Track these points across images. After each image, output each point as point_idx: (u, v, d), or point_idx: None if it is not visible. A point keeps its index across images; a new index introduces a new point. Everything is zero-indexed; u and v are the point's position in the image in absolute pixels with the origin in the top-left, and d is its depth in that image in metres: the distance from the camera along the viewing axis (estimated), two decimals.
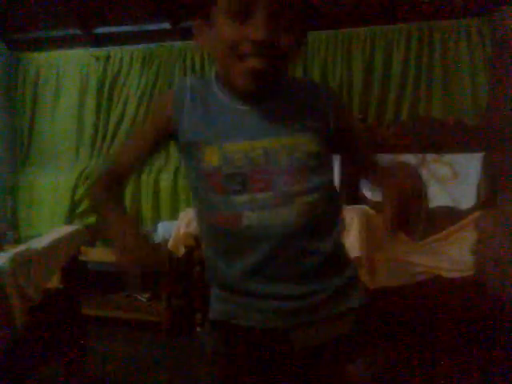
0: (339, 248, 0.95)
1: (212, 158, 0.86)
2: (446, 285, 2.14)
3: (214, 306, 0.96)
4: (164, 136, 0.94)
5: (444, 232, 2.41)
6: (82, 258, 2.63)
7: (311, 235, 0.88)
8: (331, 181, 0.95)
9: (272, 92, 0.89)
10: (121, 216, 0.91)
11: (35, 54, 3.74)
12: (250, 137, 0.86)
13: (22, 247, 2.22)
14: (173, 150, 3.38)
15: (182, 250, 2.51)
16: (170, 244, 2.51)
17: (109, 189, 0.97)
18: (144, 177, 3.36)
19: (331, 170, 0.96)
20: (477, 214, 2.38)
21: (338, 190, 1.02)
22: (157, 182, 3.33)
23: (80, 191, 3.46)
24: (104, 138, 3.56)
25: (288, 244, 0.86)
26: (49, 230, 3.27)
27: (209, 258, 0.95)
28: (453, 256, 2.29)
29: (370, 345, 0.98)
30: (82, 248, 2.62)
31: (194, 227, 2.46)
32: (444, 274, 2.17)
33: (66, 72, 3.67)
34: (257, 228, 0.85)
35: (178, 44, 3.43)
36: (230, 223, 0.86)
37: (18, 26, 3.69)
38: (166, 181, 3.30)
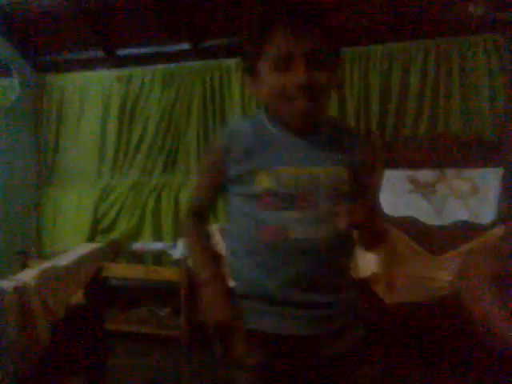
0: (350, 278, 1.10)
1: (263, 180, 1.00)
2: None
3: (247, 318, 1.02)
4: (224, 175, 1.07)
5: (464, 247, 2.40)
6: (104, 273, 2.68)
7: (342, 250, 1.04)
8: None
9: (315, 126, 1.05)
10: (214, 275, 1.04)
11: (60, 76, 3.85)
12: (297, 164, 1.01)
13: (46, 264, 2.29)
14: (193, 168, 3.44)
15: None
16: (190, 261, 2.54)
17: (197, 225, 1.14)
18: (164, 193, 3.42)
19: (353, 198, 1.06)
20: (497, 229, 2.36)
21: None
22: (177, 198, 3.39)
23: (102, 208, 3.53)
24: (125, 155, 3.64)
25: (325, 256, 1.00)
26: (72, 246, 3.35)
27: (244, 271, 1.04)
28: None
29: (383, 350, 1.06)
30: (104, 264, 2.67)
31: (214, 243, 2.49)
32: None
33: (89, 92, 3.76)
34: (302, 240, 0.98)
35: (198, 64, 3.50)
36: (279, 236, 0.99)
37: (44, 49, 3.82)
38: (185, 197, 3.35)
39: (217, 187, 1.11)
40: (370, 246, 1.08)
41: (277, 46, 0.97)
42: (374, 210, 1.01)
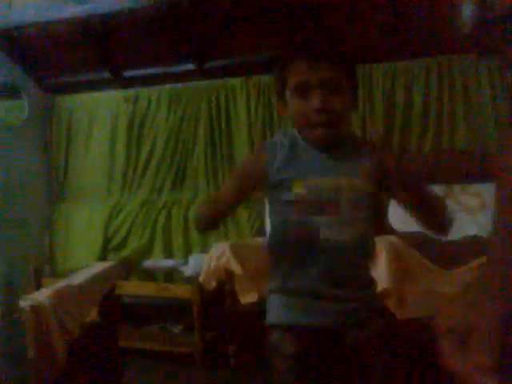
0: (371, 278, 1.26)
1: (298, 188, 1.16)
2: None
3: (277, 312, 1.21)
4: (258, 182, 1.24)
5: (474, 262, 2.41)
6: (117, 291, 2.70)
7: (363, 251, 1.20)
8: (373, 215, 1.23)
9: (340, 141, 1.21)
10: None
11: (68, 97, 3.92)
12: (326, 175, 1.18)
13: (61, 283, 2.31)
14: (201, 185, 3.49)
15: (213, 284, 2.56)
16: (202, 278, 2.57)
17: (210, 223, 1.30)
18: (174, 211, 3.46)
19: (374, 209, 1.24)
20: None
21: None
22: (187, 216, 3.43)
23: (113, 226, 3.57)
24: (134, 174, 3.69)
25: (348, 255, 1.16)
26: (84, 264, 3.38)
27: (277, 269, 1.21)
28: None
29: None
30: (117, 282, 2.69)
31: (224, 261, 2.51)
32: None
33: (97, 112, 3.83)
34: (329, 241, 1.14)
35: (203, 84, 3.57)
36: (309, 237, 1.15)
37: (52, 71, 3.89)
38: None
39: (245, 193, 1.25)
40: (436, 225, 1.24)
41: (296, 77, 1.16)
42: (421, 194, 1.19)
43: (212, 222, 1.29)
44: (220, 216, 1.29)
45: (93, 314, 2.45)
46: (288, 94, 1.19)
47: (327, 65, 1.14)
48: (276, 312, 1.21)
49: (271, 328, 1.21)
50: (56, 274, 3.39)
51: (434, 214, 1.22)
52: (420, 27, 2.95)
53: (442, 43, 2.92)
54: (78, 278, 2.33)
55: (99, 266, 2.54)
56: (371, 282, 1.27)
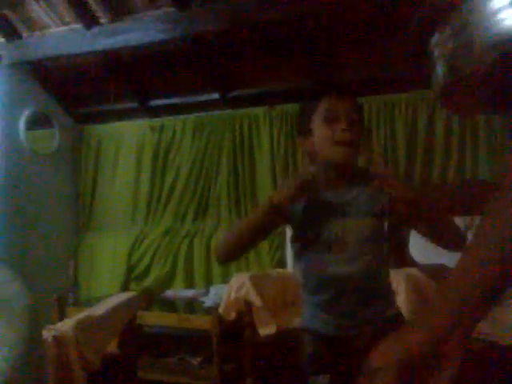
0: (389, 293, 1.44)
1: (311, 228, 1.38)
2: (501, 352, 2.07)
3: (306, 318, 1.46)
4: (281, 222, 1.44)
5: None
6: (139, 321, 2.73)
7: (369, 280, 1.37)
8: (384, 247, 1.41)
9: (349, 180, 1.38)
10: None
11: (97, 126, 4.04)
12: (335, 217, 1.36)
13: (83, 314, 2.36)
14: (224, 215, 3.51)
15: (232, 315, 2.56)
16: (221, 309, 2.57)
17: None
18: (197, 240, 3.49)
19: (385, 240, 1.42)
20: None
21: (387, 254, 1.46)
22: (209, 245, 3.45)
23: (136, 255, 3.62)
24: (158, 202, 3.75)
25: (354, 285, 1.36)
26: (107, 293, 3.42)
27: (305, 290, 1.45)
28: (507, 321, 2.22)
29: None
30: (139, 312, 2.72)
31: (244, 292, 2.52)
32: (500, 340, 2.10)
33: (124, 141, 3.93)
34: (337, 274, 1.36)
35: (227, 113, 3.63)
36: (321, 271, 1.37)
37: (82, 101, 4.02)
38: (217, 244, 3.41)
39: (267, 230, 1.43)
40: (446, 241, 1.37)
41: (327, 106, 1.37)
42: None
43: (234, 255, 1.48)
44: (242, 249, 1.45)
45: (113, 345, 2.48)
46: (315, 122, 1.39)
47: (350, 100, 1.38)
48: (305, 318, 1.47)
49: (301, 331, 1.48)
50: (80, 303, 3.45)
51: (448, 234, 1.36)
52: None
53: None
54: (100, 309, 2.37)
55: (121, 297, 2.57)
56: (383, 299, 1.42)
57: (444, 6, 0.51)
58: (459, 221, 2.64)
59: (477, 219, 2.61)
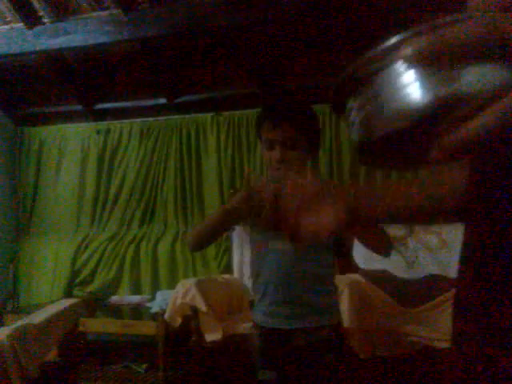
0: (326, 279, 1.49)
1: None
2: (437, 355, 2.16)
3: (255, 313, 1.53)
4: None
5: (435, 301, 2.46)
6: (82, 328, 2.66)
7: (313, 259, 1.44)
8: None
9: None
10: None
11: (39, 128, 3.91)
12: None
13: (21, 322, 2.27)
14: (170, 220, 3.49)
15: (178, 321, 2.54)
16: (167, 315, 2.55)
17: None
18: (143, 245, 3.44)
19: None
20: None
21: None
22: (155, 250, 3.41)
23: (80, 260, 3.53)
24: (103, 207, 3.67)
25: (296, 263, 1.43)
26: (49, 299, 3.31)
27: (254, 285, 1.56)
28: (444, 325, 2.32)
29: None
30: (81, 319, 2.65)
31: (190, 298, 2.50)
32: (436, 344, 2.19)
33: (68, 144, 3.83)
34: (276, 249, 1.45)
35: (174, 118, 3.61)
36: (264, 247, 1.48)
37: (23, 102, 3.89)
38: (164, 250, 3.38)
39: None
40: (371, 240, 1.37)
41: (265, 135, 1.46)
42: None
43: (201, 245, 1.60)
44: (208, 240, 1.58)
45: (53, 354, 2.41)
46: (261, 145, 1.51)
47: (287, 126, 1.43)
48: (254, 314, 1.54)
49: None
50: (19, 310, 3.32)
51: (373, 242, 1.37)
52: None
53: None
54: (39, 317, 2.30)
55: (62, 304, 2.50)
56: (327, 292, 1.49)
57: (359, 76, 0.58)
58: (401, 228, 2.74)
59: (416, 227, 2.72)
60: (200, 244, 1.57)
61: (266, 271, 1.49)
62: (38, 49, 3.30)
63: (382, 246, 1.35)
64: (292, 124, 1.44)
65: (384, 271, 2.65)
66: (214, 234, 1.56)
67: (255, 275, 1.54)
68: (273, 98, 1.54)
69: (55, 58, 3.49)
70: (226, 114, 3.48)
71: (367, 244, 1.36)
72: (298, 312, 1.45)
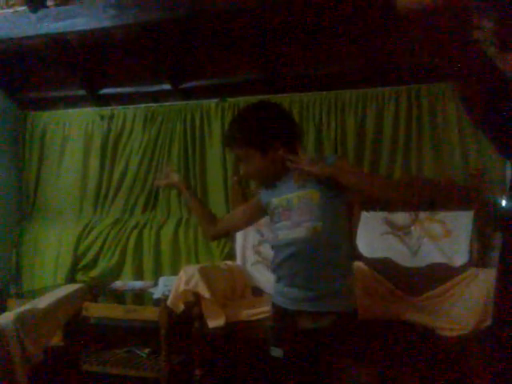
0: (339, 267, 1.59)
1: (270, 206, 1.67)
2: (442, 343, 2.16)
3: (273, 294, 1.70)
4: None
5: (438, 289, 2.46)
6: (85, 313, 2.67)
7: (316, 244, 1.55)
8: (332, 219, 1.58)
9: (284, 175, 1.66)
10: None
11: (42, 113, 3.89)
12: (281, 195, 1.64)
13: (25, 306, 2.28)
14: (174, 206, 3.48)
15: (181, 307, 2.55)
16: (170, 301, 2.55)
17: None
18: (146, 231, 3.45)
19: (335, 209, 1.60)
20: (470, 270, 2.43)
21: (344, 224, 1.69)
22: (158, 236, 3.41)
23: (83, 246, 3.53)
24: (107, 193, 3.67)
25: (299, 250, 1.56)
26: (52, 284, 3.33)
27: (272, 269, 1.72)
28: (448, 313, 2.32)
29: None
30: (84, 304, 2.67)
31: (193, 284, 2.51)
32: (440, 332, 2.19)
33: (71, 130, 3.80)
34: (283, 240, 1.61)
35: (179, 104, 3.58)
36: (275, 238, 1.66)
37: (27, 87, 3.87)
38: (166, 236, 3.38)
39: (250, 211, 1.85)
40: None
41: None
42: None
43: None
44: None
45: (57, 338, 2.42)
46: None
47: (235, 149, 1.70)
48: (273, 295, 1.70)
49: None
50: (22, 295, 3.34)
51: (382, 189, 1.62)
52: (391, 55, 3.02)
53: (411, 72, 2.99)
54: (43, 302, 2.31)
55: (66, 289, 2.52)
56: (334, 278, 1.57)
57: None
58: (405, 216, 2.73)
59: (420, 215, 2.71)
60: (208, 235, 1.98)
61: (281, 257, 1.60)
62: (41, 32, 3.27)
63: (396, 192, 1.64)
64: (232, 148, 1.72)
65: (387, 259, 2.65)
66: (200, 222, 2.00)
67: (273, 259, 1.68)
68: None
69: (59, 42, 3.45)
70: (230, 100, 3.45)
71: (384, 196, 1.81)
72: (308, 296, 1.55)
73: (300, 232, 1.56)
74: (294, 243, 1.57)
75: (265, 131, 1.63)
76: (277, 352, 1.61)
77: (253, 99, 3.37)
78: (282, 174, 1.66)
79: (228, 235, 2.06)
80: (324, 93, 3.22)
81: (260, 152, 1.62)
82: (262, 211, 1.77)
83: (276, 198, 1.65)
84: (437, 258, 2.58)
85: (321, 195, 1.57)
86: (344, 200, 1.64)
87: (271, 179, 1.68)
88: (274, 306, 1.67)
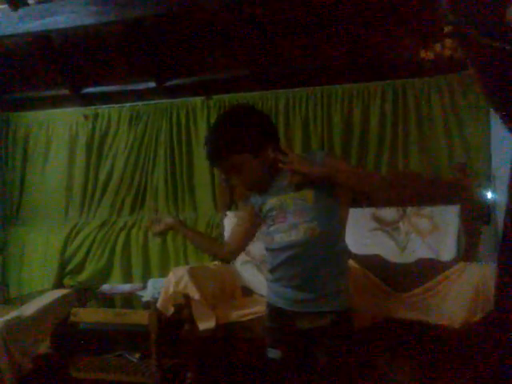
0: (337, 266, 1.56)
1: (263, 209, 1.63)
2: (432, 339, 2.16)
3: (268, 294, 1.66)
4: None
5: (427, 284, 2.46)
6: (73, 318, 2.64)
7: (314, 245, 1.52)
8: (328, 218, 1.55)
9: (275, 176, 1.60)
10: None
11: (25, 114, 3.83)
12: (274, 196, 1.59)
13: (12, 314, 2.26)
14: (161, 207, 3.46)
15: (171, 310, 2.52)
16: (159, 303, 2.52)
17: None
18: (134, 233, 3.41)
19: (330, 208, 1.56)
20: (458, 265, 2.44)
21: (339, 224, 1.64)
22: (146, 238, 3.38)
23: (70, 249, 3.49)
24: (93, 194, 3.62)
25: (296, 253, 1.52)
26: (39, 289, 3.29)
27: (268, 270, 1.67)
28: (437, 308, 2.32)
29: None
30: (73, 309, 2.64)
31: (183, 285, 2.49)
32: (429, 327, 2.19)
33: (55, 130, 3.75)
34: (280, 244, 1.56)
35: (164, 102, 3.54)
36: (270, 242, 1.60)
37: (9, 87, 3.80)
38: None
39: (249, 224, 1.76)
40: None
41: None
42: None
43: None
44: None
45: (45, 345, 2.40)
46: None
47: (217, 163, 1.62)
48: (267, 293, 1.67)
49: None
50: (9, 301, 3.29)
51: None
52: (377, 51, 3.01)
53: (397, 67, 2.98)
54: (30, 309, 2.28)
55: (53, 295, 2.49)
56: (332, 278, 1.55)
57: None
58: (393, 211, 2.73)
59: (407, 210, 2.71)
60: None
61: (278, 260, 1.57)
62: (22, 31, 3.21)
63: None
64: (220, 162, 1.61)
65: (376, 256, 2.65)
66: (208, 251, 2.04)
67: (269, 261, 1.64)
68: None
69: (41, 41, 3.40)
70: (216, 97, 3.42)
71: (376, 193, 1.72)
72: (306, 297, 1.53)
73: (297, 234, 1.53)
74: (292, 246, 1.53)
75: (252, 134, 1.57)
76: (274, 353, 1.60)
77: (239, 96, 3.36)
78: (274, 176, 1.61)
79: (244, 250, 1.91)
80: (310, 88, 3.20)
81: (253, 156, 1.56)
82: (258, 216, 1.73)
83: (269, 201, 1.61)
84: (425, 253, 2.58)
85: (315, 195, 1.54)
86: (337, 198, 1.59)
87: (265, 183, 1.62)
88: (268, 305, 1.64)
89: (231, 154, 1.55)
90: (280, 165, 1.52)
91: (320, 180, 1.51)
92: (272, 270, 1.62)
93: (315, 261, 1.52)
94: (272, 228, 1.59)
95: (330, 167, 1.52)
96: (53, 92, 3.75)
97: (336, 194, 1.57)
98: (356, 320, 1.93)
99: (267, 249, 1.64)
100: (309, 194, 1.54)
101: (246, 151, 1.55)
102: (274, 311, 1.61)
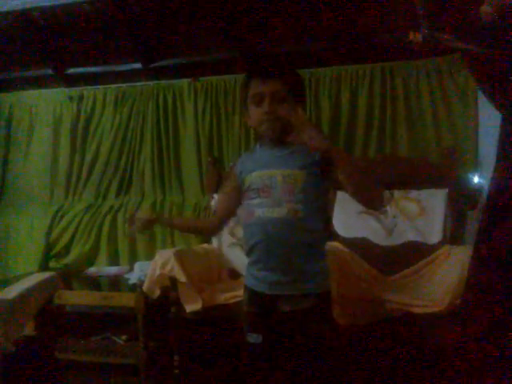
0: (316, 248, 1.55)
1: (246, 182, 1.59)
2: (416, 321, 2.18)
3: (246, 277, 1.63)
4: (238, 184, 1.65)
5: (414, 267, 2.47)
6: (59, 301, 2.62)
7: (295, 227, 1.49)
8: (313, 202, 1.52)
9: (285, 140, 1.55)
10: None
11: (8, 94, 3.75)
12: (264, 169, 1.56)
13: None
14: (148, 189, 3.42)
15: (157, 292, 2.51)
16: (145, 286, 2.51)
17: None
18: (120, 216, 3.38)
19: (317, 194, 1.53)
20: (444, 248, 2.45)
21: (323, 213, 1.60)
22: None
23: (55, 232, 3.45)
24: (79, 177, 3.58)
25: (279, 230, 1.49)
26: (24, 271, 3.25)
27: (245, 244, 1.63)
28: (423, 291, 2.33)
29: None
30: (59, 292, 2.61)
31: (169, 268, 2.47)
32: (415, 310, 2.20)
33: (39, 111, 3.69)
34: (260, 219, 1.52)
35: (150, 84, 3.49)
36: (250, 216, 1.55)
37: None
38: None
39: (234, 192, 1.67)
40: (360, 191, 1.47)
41: (253, 90, 1.56)
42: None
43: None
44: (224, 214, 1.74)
45: (29, 327, 2.37)
46: (248, 103, 1.59)
47: (275, 81, 1.52)
48: (246, 276, 1.65)
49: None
50: None
51: (364, 191, 1.47)
52: (365, 33, 2.98)
53: (385, 50, 2.96)
54: (12, 292, 2.25)
55: (36, 278, 2.45)
56: (313, 260, 1.53)
57: None
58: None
59: (395, 193, 2.71)
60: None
61: (256, 238, 1.54)
62: (4, 10, 3.14)
63: (374, 199, 1.51)
64: (280, 78, 1.53)
65: (363, 239, 2.65)
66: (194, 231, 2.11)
67: (247, 240, 1.60)
68: (259, 59, 1.66)
69: (23, 20, 3.32)
70: (203, 79, 3.37)
71: (361, 196, 1.47)
72: (285, 279, 1.51)
73: (280, 212, 1.49)
74: (271, 223, 1.50)
75: (304, 86, 1.69)
76: (254, 338, 1.58)
77: (226, 78, 3.32)
78: (285, 139, 1.55)
79: (229, 221, 1.87)
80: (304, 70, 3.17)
81: (294, 99, 1.53)
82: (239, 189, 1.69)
83: (257, 172, 1.56)
84: (412, 236, 2.59)
85: (306, 177, 1.51)
86: (327, 182, 1.55)
87: (283, 133, 1.53)
88: (246, 289, 1.62)
89: (292, 73, 1.59)
90: (293, 119, 1.43)
91: (315, 157, 1.50)
92: (249, 251, 1.59)
93: (293, 242, 1.50)
94: (255, 201, 1.54)
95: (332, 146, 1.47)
96: (36, 72, 3.68)
97: (327, 177, 1.53)
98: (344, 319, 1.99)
99: (245, 225, 1.60)
100: (300, 174, 1.51)
101: (298, 85, 1.59)
102: (254, 296, 1.58)
